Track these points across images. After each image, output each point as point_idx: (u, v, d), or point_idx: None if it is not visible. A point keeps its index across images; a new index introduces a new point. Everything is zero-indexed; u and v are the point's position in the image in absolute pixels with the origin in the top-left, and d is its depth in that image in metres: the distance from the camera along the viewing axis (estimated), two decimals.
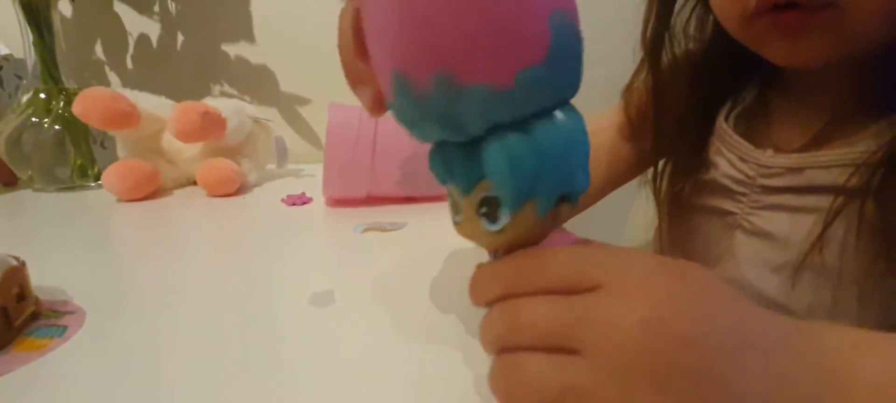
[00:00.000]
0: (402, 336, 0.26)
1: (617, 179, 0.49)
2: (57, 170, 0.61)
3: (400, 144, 0.49)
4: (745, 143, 0.35)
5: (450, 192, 0.19)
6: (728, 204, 0.36)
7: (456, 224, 0.20)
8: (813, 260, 0.31)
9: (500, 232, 0.18)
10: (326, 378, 0.22)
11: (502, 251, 0.19)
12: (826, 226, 0.29)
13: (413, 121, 0.17)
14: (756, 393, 0.15)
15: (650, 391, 0.15)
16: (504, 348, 0.18)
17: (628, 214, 0.67)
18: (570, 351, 0.16)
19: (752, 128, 0.37)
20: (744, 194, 0.35)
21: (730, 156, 0.36)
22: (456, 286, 0.31)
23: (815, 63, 0.30)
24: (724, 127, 0.38)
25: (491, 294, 0.19)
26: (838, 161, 0.30)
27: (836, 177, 0.30)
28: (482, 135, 0.17)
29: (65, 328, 0.26)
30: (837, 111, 0.32)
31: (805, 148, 0.32)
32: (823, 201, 0.30)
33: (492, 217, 0.17)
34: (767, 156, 0.34)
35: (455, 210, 0.19)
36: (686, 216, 0.41)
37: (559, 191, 0.17)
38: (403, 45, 0.15)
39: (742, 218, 0.35)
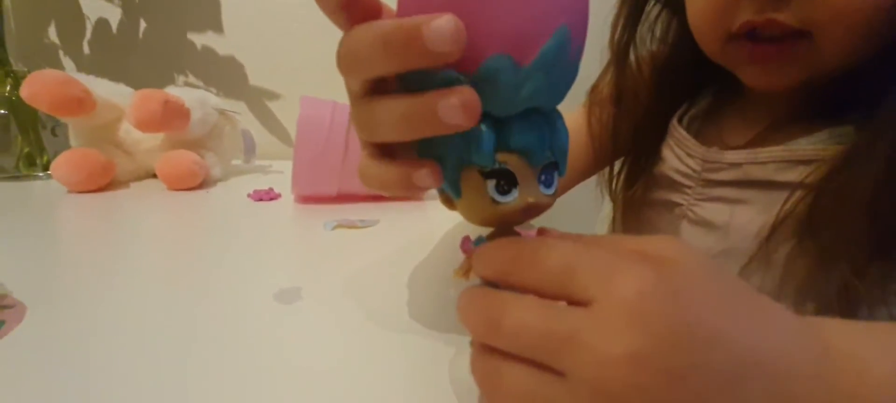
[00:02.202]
0: (371, 334, 0.25)
1: (577, 177, 0.51)
2: (0, 159, 0.57)
3: None
4: (693, 140, 0.38)
5: (505, 169, 0.19)
6: (675, 196, 0.39)
7: (454, 202, 0.20)
8: (752, 248, 0.33)
9: (554, 194, 0.20)
10: (290, 377, 0.21)
11: (496, 228, 0.20)
12: (782, 218, 0.31)
13: (555, 81, 0.18)
14: None
15: None
16: (484, 345, 0.17)
17: (599, 213, 0.69)
18: (553, 371, 0.15)
19: (704, 130, 0.40)
20: (689, 187, 0.38)
21: (678, 152, 0.39)
22: (428, 284, 0.31)
23: (785, 87, 0.32)
24: (675, 126, 0.41)
25: (484, 271, 0.19)
26: (772, 158, 0.33)
27: (770, 172, 0.33)
28: (520, 112, 0.18)
29: (2, 322, 0.24)
30: (780, 114, 0.35)
31: (747, 145, 0.35)
32: (758, 195, 0.34)
33: (549, 182, 0.19)
34: (712, 152, 0.36)
35: (505, 188, 0.19)
36: (638, 210, 0.43)
37: (561, 171, 0.20)
38: (573, 7, 0.17)
39: (687, 209, 0.38)
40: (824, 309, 0.30)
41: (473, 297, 0.18)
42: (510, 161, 0.18)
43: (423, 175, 0.18)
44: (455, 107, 0.15)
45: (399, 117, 0.17)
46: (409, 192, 0.19)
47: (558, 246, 0.17)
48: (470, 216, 0.21)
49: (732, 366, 0.14)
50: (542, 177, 0.19)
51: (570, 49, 0.17)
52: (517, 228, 0.21)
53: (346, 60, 0.18)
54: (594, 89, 0.47)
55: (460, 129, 0.16)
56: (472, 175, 0.19)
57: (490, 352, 0.17)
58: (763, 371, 0.15)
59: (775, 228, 0.31)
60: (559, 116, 0.20)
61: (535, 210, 0.19)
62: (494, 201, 0.19)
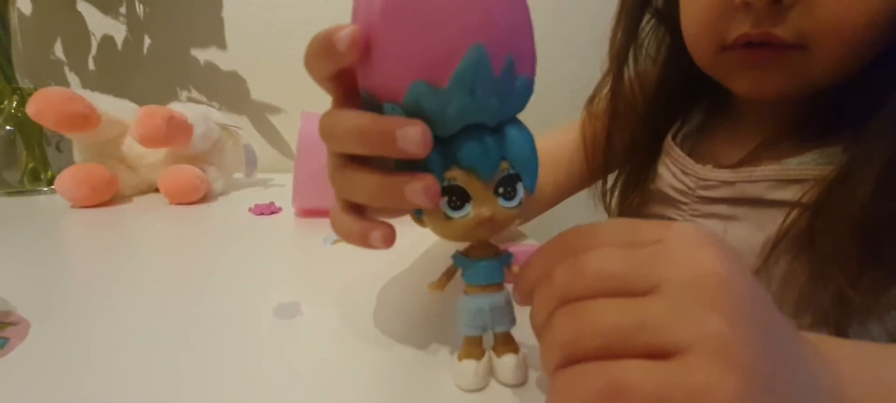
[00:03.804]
0: (370, 348, 0.25)
1: (570, 188, 0.52)
2: (6, 174, 0.58)
3: None
4: (688, 158, 0.39)
5: (454, 185, 0.19)
6: (671, 212, 0.40)
7: (462, 216, 0.19)
8: (748, 263, 0.33)
9: (517, 206, 0.20)
10: (290, 391, 0.21)
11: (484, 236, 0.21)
12: (780, 236, 0.31)
13: (481, 98, 0.18)
14: None
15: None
16: (572, 356, 0.16)
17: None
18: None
19: (697, 147, 0.41)
20: (684, 203, 0.39)
21: (674, 170, 0.40)
22: (427, 298, 0.31)
23: (775, 95, 0.33)
24: (670, 143, 0.41)
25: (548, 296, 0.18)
26: (764, 177, 0.33)
27: (762, 190, 0.33)
28: (504, 122, 0.20)
29: (6, 340, 0.24)
30: (771, 133, 0.35)
31: (740, 164, 0.35)
32: (750, 212, 0.34)
33: (510, 194, 0.20)
34: (706, 170, 0.37)
35: (456, 203, 0.19)
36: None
37: (527, 182, 0.20)
38: (490, 23, 0.17)
39: None
40: (820, 321, 0.31)
41: (550, 325, 0.17)
42: (459, 177, 0.19)
43: (376, 236, 0.21)
44: (418, 192, 0.18)
45: (371, 190, 0.20)
46: (367, 246, 0.21)
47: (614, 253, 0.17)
48: (436, 232, 0.21)
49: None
50: (501, 190, 0.19)
51: (490, 65, 0.17)
52: (510, 243, 0.21)
53: (326, 135, 0.21)
54: (591, 101, 0.47)
55: (422, 207, 0.19)
56: None
57: (594, 364, 0.15)
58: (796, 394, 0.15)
59: (776, 245, 0.32)
60: (516, 127, 0.20)
61: (495, 223, 0.20)
62: (448, 216, 0.19)
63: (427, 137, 0.17)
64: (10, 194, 0.58)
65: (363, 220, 0.21)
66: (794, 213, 0.31)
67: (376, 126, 0.18)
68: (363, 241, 0.21)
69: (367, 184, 0.20)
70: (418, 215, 0.21)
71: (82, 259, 0.39)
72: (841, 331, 0.29)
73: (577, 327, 0.16)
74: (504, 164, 0.19)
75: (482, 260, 0.21)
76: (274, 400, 0.21)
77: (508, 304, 0.22)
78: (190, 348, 0.25)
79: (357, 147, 0.19)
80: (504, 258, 0.22)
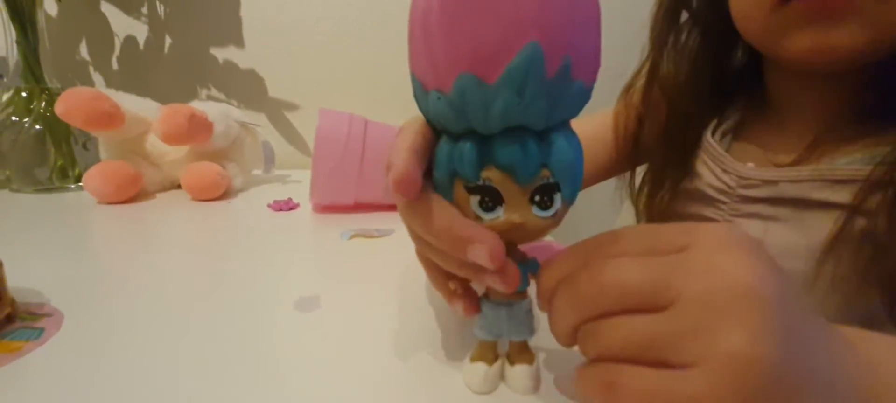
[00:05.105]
0: (388, 342, 0.26)
1: (598, 175, 0.51)
2: (36, 171, 0.60)
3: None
4: (728, 156, 0.37)
5: (489, 185, 0.19)
6: (709, 212, 0.38)
7: (492, 218, 0.19)
8: (788, 265, 0.32)
9: (552, 217, 0.19)
10: (311, 383, 0.22)
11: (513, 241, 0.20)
12: (833, 239, 0.30)
13: (529, 99, 0.17)
14: None
15: None
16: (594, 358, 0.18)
17: (616, 219, 0.69)
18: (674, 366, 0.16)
19: (736, 145, 0.39)
20: (724, 202, 0.37)
21: (713, 167, 0.38)
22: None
23: (839, 57, 0.29)
24: (710, 140, 0.40)
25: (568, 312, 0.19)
26: (808, 177, 0.32)
27: (805, 191, 0.32)
28: (552, 128, 0.18)
29: (41, 330, 0.26)
30: (811, 130, 0.33)
31: (784, 164, 0.34)
32: (791, 213, 0.33)
33: (545, 204, 0.19)
34: (747, 169, 0.36)
35: (489, 204, 0.19)
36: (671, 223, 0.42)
37: (566, 193, 0.19)
38: (548, 20, 0.16)
39: None
40: (866, 325, 0.30)
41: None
42: (495, 178, 0.18)
43: (458, 306, 0.22)
44: (482, 254, 0.18)
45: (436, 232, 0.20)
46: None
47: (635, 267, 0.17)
48: None
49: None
50: (537, 198, 0.18)
51: (543, 66, 0.16)
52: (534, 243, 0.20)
53: (413, 236, 0.22)
54: (627, 89, 0.46)
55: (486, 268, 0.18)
56: (460, 190, 0.19)
57: (602, 364, 0.17)
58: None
59: (832, 248, 0.30)
60: (565, 134, 0.19)
61: (525, 232, 0.19)
62: (478, 217, 0.19)
63: (497, 255, 0.18)
64: (39, 191, 0.60)
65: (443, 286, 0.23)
66: (844, 216, 0.30)
67: (452, 233, 0.19)
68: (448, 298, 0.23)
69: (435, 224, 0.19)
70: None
71: (110, 253, 0.40)
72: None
73: (595, 348, 0.17)
74: (545, 171, 0.18)
75: None
76: (295, 390, 0.22)
77: (528, 314, 0.21)
78: (214, 338, 0.26)
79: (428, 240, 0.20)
80: (531, 265, 0.20)
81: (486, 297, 0.22)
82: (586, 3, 0.17)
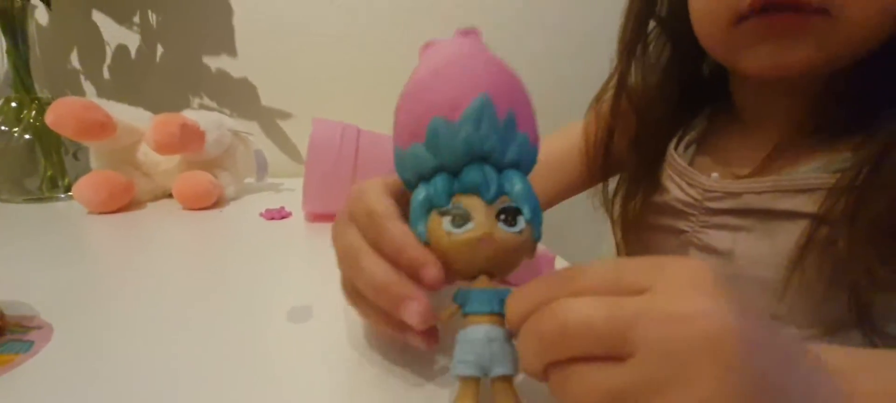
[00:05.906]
0: (380, 353, 0.26)
1: (568, 190, 0.51)
2: (26, 181, 0.60)
3: (381, 160, 0.49)
4: (691, 170, 0.38)
5: (459, 207, 0.21)
6: (680, 223, 0.39)
7: (463, 232, 0.21)
8: (757, 274, 0.33)
9: (518, 233, 0.21)
10: (304, 394, 0.22)
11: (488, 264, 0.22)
12: (800, 249, 0.31)
13: (484, 131, 0.21)
14: None
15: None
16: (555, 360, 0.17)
17: (604, 226, 0.69)
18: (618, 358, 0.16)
19: (701, 155, 0.40)
20: (693, 215, 0.38)
21: (679, 181, 0.39)
22: (436, 300, 0.32)
23: (797, 71, 0.30)
24: (673, 154, 0.40)
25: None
26: (770, 187, 0.33)
27: (768, 201, 0.33)
28: (505, 164, 0.22)
29: (31, 343, 0.25)
30: (775, 139, 0.34)
31: (746, 174, 0.35)
32: (757, 223, 0.34)
33: (510, 221, 0.21)
34: (711, 181, 0.36)
35: (459, 222, 0.21)
36: (644, 234, 0.43)
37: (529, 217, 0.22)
38: (495, 83, 0.22)
39: (693, 236, 0.38)
40: (834, 329, 0.30)
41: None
42: (463, 201, 0.21)
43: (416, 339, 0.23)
44: (414, 312, 0.21)
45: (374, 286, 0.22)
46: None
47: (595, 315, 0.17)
48: (438, 254, 0.21)
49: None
50: (502, 217, 0.21)
51: (494, 110, 0.21)
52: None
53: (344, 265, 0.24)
54: (597, 100, 0.46)
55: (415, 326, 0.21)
56: (434, 217, 0.22)
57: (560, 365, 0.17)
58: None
59: (800, 260, 0.31)
60: (519, 175, 0.22)
61: (494, 242, 0.21)
62: (449, 233, 0.21)
63: (426, 315, 0.21)
64: (29, 201, 0.59)
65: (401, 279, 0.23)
66: (809, 225, 0.30)
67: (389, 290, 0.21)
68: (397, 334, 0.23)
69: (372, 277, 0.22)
70: (420, 236, 0.22)
71: (100, 263, 0.40)
72: (855, 338, 0.29)
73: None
74: (505, 198, 0.21)
75: (482, 289, 0.21)
76: (288, 401, 0.22)
77: (508, 342, 0.20)
78: (206, 348, 0.26)
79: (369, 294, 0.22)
80: (505, 292, 0.20)
81: (462, 329, 0.21)
82: (521, 87, 0.23)
